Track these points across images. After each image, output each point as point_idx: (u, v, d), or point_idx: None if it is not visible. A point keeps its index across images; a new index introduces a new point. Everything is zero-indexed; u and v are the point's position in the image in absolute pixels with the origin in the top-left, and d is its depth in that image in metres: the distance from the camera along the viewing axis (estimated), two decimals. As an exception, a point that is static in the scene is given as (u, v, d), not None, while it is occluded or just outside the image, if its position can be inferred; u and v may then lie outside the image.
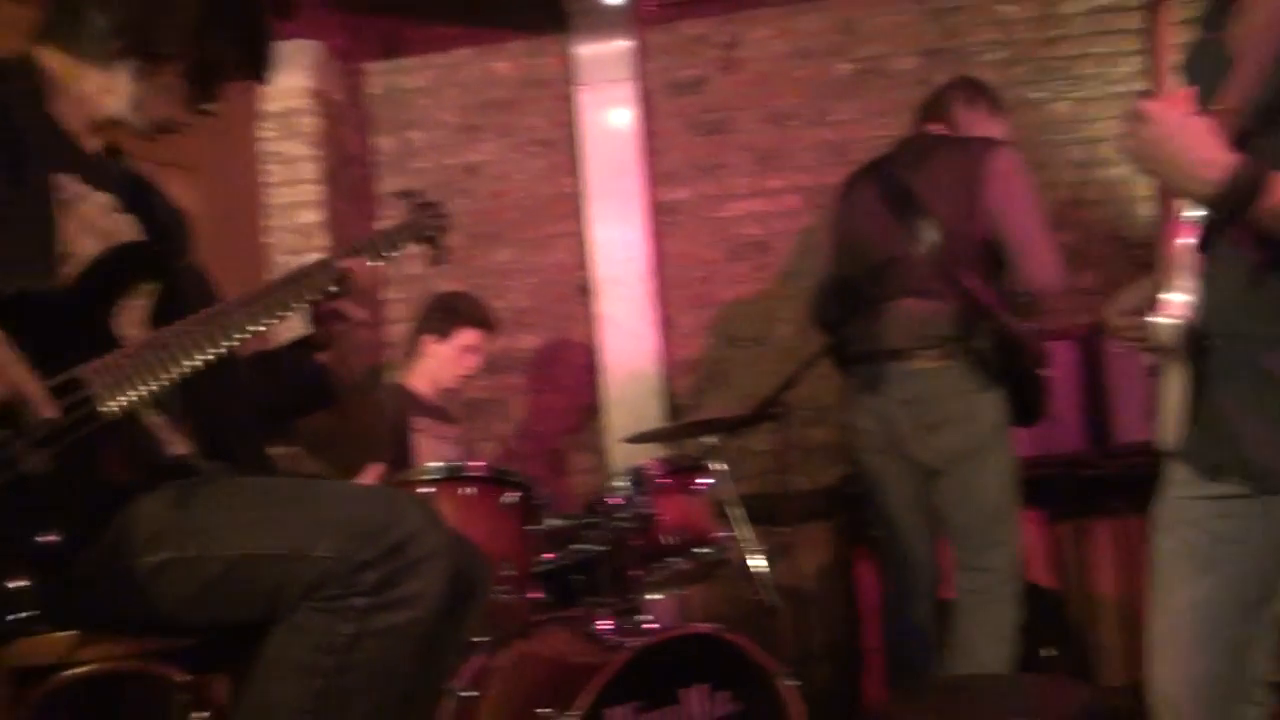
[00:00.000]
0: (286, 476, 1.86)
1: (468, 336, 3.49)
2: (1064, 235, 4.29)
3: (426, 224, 2.14)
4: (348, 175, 4.46)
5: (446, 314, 3.49)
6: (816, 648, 3.68)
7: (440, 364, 3.50)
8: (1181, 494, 1.80)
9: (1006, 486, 3.09)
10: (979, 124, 3.25)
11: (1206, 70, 1.78)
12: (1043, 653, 3.50)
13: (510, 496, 2.71)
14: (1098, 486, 3.74)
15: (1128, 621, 3.71)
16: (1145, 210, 4.37)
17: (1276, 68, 1.61)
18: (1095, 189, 4.37)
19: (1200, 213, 1.67)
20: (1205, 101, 1.79)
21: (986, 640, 3.01)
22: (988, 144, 3.13)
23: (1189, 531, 1.77)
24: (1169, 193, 1.71)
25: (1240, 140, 1.60)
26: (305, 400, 1.99)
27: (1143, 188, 4.37)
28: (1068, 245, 4.28)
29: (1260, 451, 1.65)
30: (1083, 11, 4.43)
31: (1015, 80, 4.30)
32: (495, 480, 2.76)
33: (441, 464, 2.75)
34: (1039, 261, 3.04)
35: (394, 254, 2.03)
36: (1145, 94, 1.64)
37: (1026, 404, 3.10)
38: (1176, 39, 1.67)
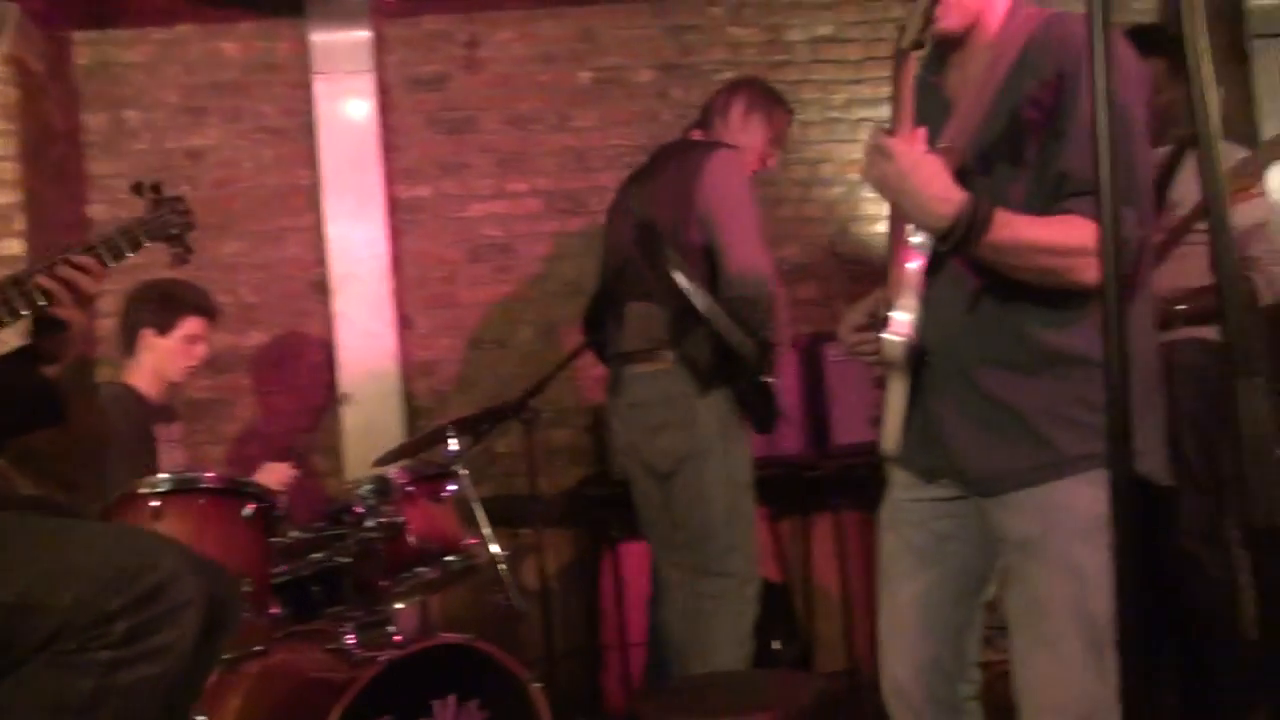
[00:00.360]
0: (30, 514, 1.68)
1: (191, 325, 3.27)
2: (786, 250, 4.61)
3: (169, 221, 2.01)
4: (51, 154, 4.06)
5: (165, 304, 3.25)
6: (561, 648, 3.74)
7: (163, 358, 3.27)
8: (904, 496, 1.98)
9: (734, 491, 3.07)
10: (733, 127, 3.24)
11: (926, 111, 1.98)
12: (773, 645, 3.73)
13: (249, 509, 2.57)
14: (818, 485, 4.03)
15: (845, 612, 4.02)
16: (861, 228, 4.74)
17: (991, 115, 1.82)
18: (816, 207, 4.69)
19: (923, 239, 1.85)
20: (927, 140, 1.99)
21: (726, 643, 3.04)
22: (710, 147, 3.17)
23: (911, 531, 1.96)
24: (899, 220, 1.88)
25: (960, 178, 1.80)
26: (29, 418, 1.81)
27: (859, 207, 4.75)
28: (790, 259, 4.61)
29: (970, 459, 1.84)
30: (805, 40, 4.74)
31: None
32: (231, 491, 2.62)
33: (171, 475, 2.57)
34: (743, 254, 3.01)
35: (133, 253, 1.89)
36: (885, 130, 1.79)
37: (754, 410, 3.10)
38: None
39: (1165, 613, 3.03)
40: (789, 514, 4.24)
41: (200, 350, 3.30)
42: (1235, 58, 5.09)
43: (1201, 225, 2.86)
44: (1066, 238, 1.67)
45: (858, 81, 4.77)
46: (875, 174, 1.73)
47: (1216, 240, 0.87)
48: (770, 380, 3.07)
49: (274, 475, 3.23)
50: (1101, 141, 1.01)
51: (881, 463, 2.02)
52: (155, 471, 2.91)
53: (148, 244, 1.90)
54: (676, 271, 3.04)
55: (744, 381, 3.06)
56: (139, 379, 3.25)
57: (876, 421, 1.96)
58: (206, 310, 3.30)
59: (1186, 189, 3.02)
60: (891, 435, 1.92)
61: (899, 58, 1.76)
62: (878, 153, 1.72)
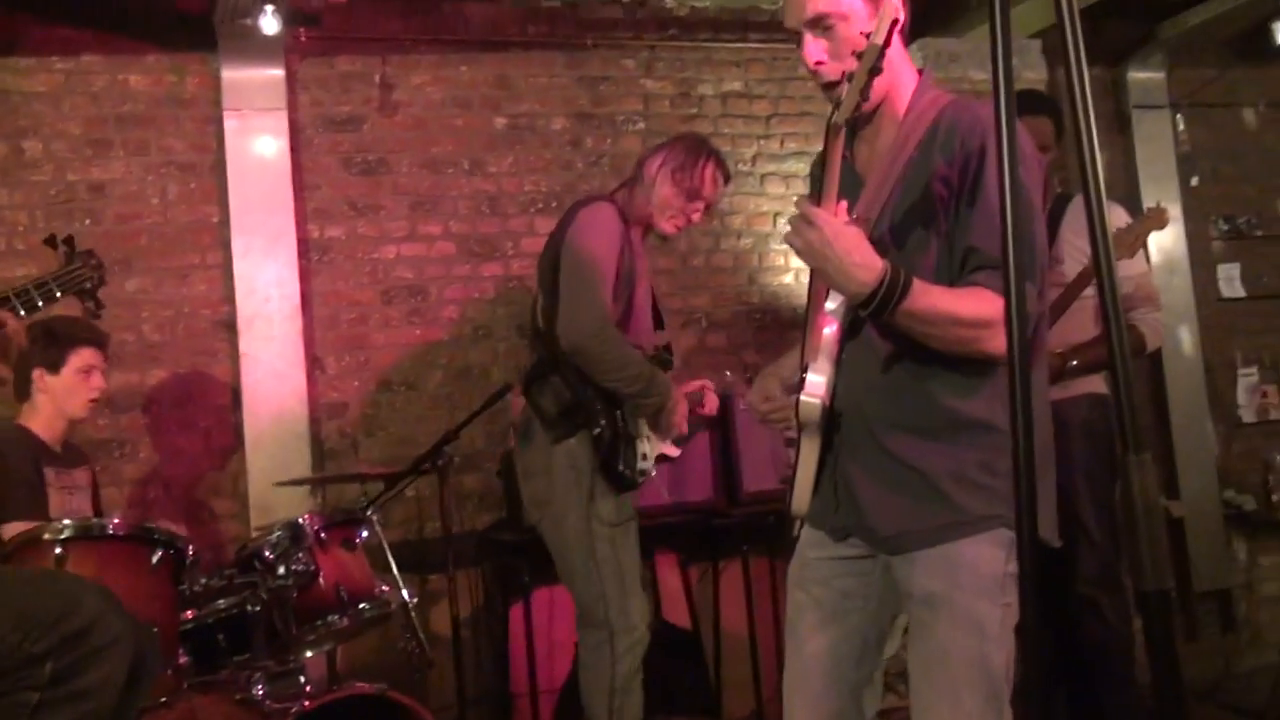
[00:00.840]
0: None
1: (82, 357, 3.20)
2: (697, 299, 4.72)
3: (82, 275, 1.99)
4: (-57, 184, 3.94)
5: (51, 341, 3.17)
6: (471, 695, 3.72)
7: (61, 395, 3.19)
8: (812, 554, 2.06)
9: (595, 540, 3.04)
10: (645, 181, 3.26)
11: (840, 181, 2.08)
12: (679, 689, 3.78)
13: (158, 556, 2.53)
14: (727, 532, 4.11)
15: (752, 656, 4.09)
16: (769, 278, 4.88)
17: (902, 190, 1.92)
18: (725, 257, 4.82)
19: (838, 306, 1.95)
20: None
21: (598, 693, 3.04)
22: (586, 201, 3.25)
23: (818, 589, 2.03)
24: (816, 286, 1.97)
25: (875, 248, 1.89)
26: None
27: (766, 258, 4.88)
28: (699, 309, 4.71)
29: (880, 517, 1.93)
30: (715, 95, 4.89)
31: (650, 153, 4.62)
32: (138, 538, 2.57)
33: (76, 521, 2.52)
34: (565, 311, 3.04)
35: (45, 306, 1.87)
36: (810, 199, 1.88)
37: (604, 464, 3.07)
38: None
39: (1060, 659, 3.17)
40: (698, 560, 4.31)
41: (97, 381, 3.23)
42: (1118, 126, 5.42)
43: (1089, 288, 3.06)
44: (977, 310, 1.78)
45: (765, 137, 4.92)
46: (800, 242, 1.81)
47: (1109, 327, 0.96)
48: (604, 433, 3.04)
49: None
50: (1007, 227, 1.10)
51: (788, 511, 2.09)
52: (45, 514, 2.85)
53: (60, 297, 1.88)
54: (537, 320, 3.16)
55: (595, 432, 3.06)
56: (35, 422, 3.17)
57: (787, 481, 2.04)
58: (96, 340, 3.24)
59: (1066, 244, 3.22)
60: (801, 496, 2.01)
61: (832, 132, 1.85)
62: (803, 221, 1.80)
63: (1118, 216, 3.33)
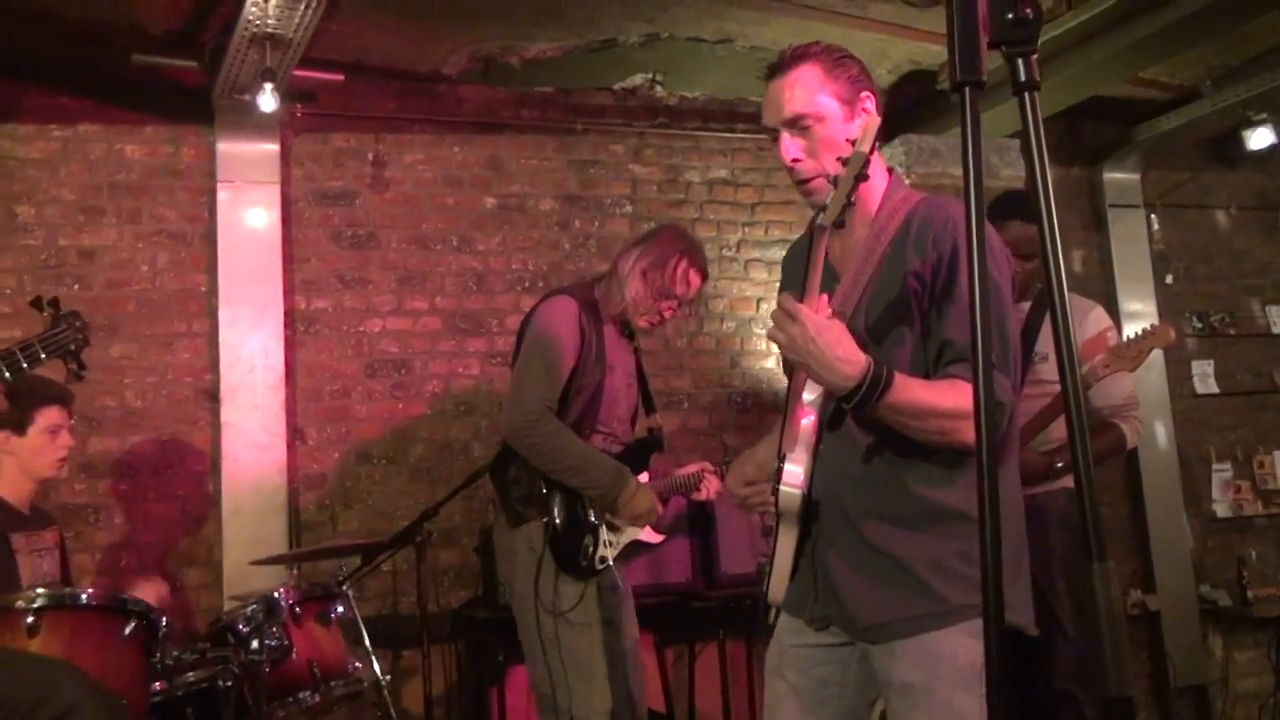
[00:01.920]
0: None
1: (48, 417, 3.17)
2: (679, 381, 4.76)
3: (67, 337, 2.00)
4: (-63, 245, 3.97)
5: (15, 402, 3.14)
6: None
7: (29, 457, 3.16)
8: (790, 642, 2.06)
9: (552, 625, 2.99)
10: (618, 275, 3.23)
11: (800, 273, 2.11)
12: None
13: (130, 626, 2.51)
14: (704, 615, 4.09)
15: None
16: (750, 363, 4.93)
17: (877, 286, 1.97)
18: (708, 340, 4.88)
19: (815, 397, 1.98)
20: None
21: None
22: (546, 295, 3.28)
23: (796, 676, 2.04)
24: (798, 377, 2.00)
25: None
26: None
27: (749, 342, 4.95)
28: (681, 390, 4.75)
29: (859, 606, 1.94)
30: (701, 181, 4.99)
31: (626, 248, 4.68)
32: (111, 608, 2.55)
33: (48, 590, 2.50)
34: (506, 406, 3.11)
35: (29, 368, 1.89)
36: (793, 296, 1.92)
37: (554, 550, 3.03)
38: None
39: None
40: (674, 642, 4.28)
41: (65, 439, 3.21)
42: (1094, 224, 5.56)
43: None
44: (955, 402, 1.82)
45: (750, 224, 5.02)
46: (783, 336, 1.84)
47: (1073, 438, 1.00)
48: (552, 522, 3.03)
49: (149, 592, 3.13)
50: (979, 322, 1.12)
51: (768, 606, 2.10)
52: (15, 583, 2.81)
53: (45, 359, 1.89)
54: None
55: (545, 520, 3.05)
56: (2, 486, 3.14)
57: (763, 570, 2.05)
58: (60, 398, 3.22)
59: (1050, 342, 3.28)
60: (779, 584, 2.02)
61: (817, 232, 1.89)
62: (786, 316, 1.83)
63: (1098, 317, 3.41)
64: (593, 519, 3.10)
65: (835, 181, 1.82)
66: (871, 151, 1.80)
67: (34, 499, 3.25)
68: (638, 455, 3.26)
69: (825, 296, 1.89)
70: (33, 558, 3.10)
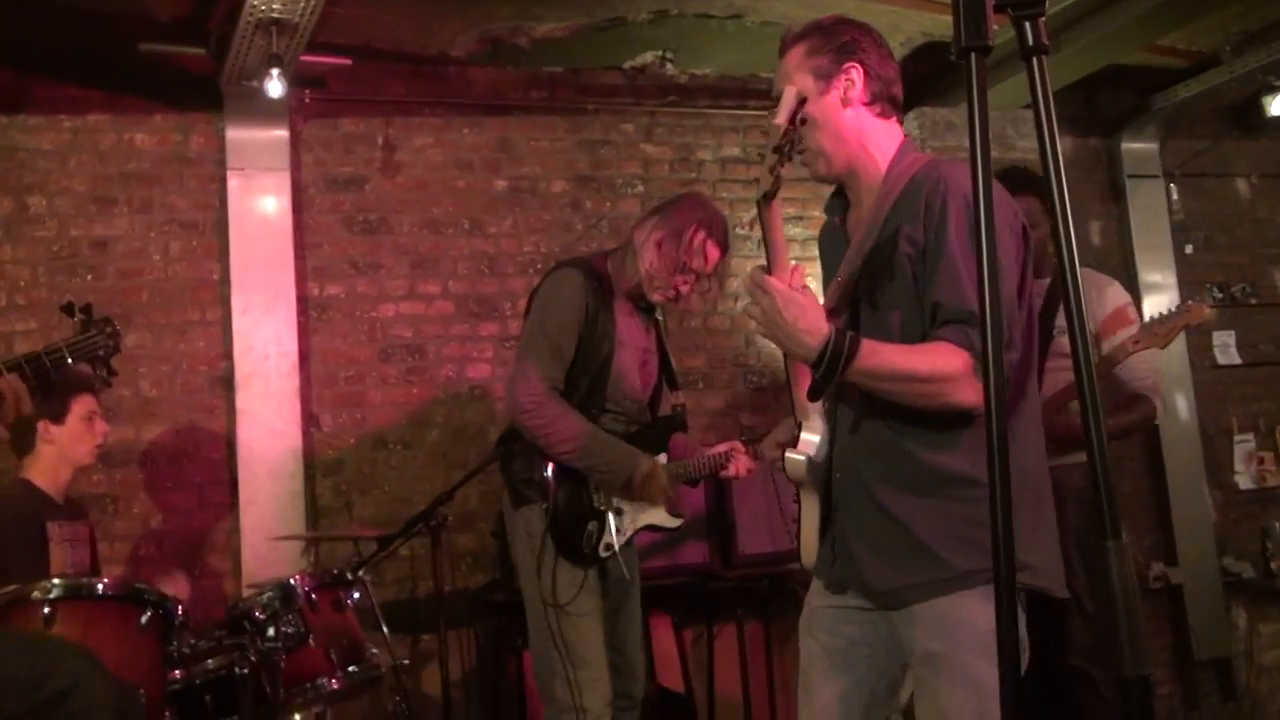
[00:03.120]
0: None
1: (83, 404, 3.25)
2: (693, 361, 4.73)
3: (97, 343, 2.01)
4: (-52, 237, 3.98)
5: (51, 391, 3.19)
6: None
7: (69, 445, 3.24)
8: (820, 604, 2.08)
9: (549, 613, 2.92)
10: (634, 247, 3.14)
11: (831, 248, 2.14)
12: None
13: (146, 616, 2.52)
14: (721, 596, 4.09)
15: (747, 719, 4.04)
16: (763, 341, 4.89)
17: (873, 251, 1.95)
18: (721, 320, 4.85)
19: None
20: (830, 274, 2.14)
21: None
22: (553, 269, 3.22)
23: (827, 637, 2.05)
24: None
25: (850, 308, 1.93)
26: None
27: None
28: (696, 370, 4.73)
29: (873, 573, 1.95)
30: (714, 159, 4.95)
31: (644, 218, 4.65)
32: (128, 598, 2.56)
33: (65, 580, 2.51)
34: (509, 387, 3.05)
35: (57, 375, 1.89)
36: (763, 269, 1.91)
37: (555, 535, 2.98)
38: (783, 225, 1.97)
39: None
40: (693, 623, 4.28)
41: (100, 426, 3.30)
42: (1112, 195, 5.49)
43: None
44: (933, 364, 1.81)
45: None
46: (755, 310, 1.86)
47: (1085, 413, 0.97)
48: (551, 507, 2.97)
49: (176, 585, 3.16)
50: (988, 293, 1.08)
51: (782, 575, 2.11)
52: (45, 571, 2.84)
53: (71, 363, 1.90)
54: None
55: (544, 506, 2.99)
56: (39, 475, 3.18)
57: (797, 535, 2.07)
58: (91, 387, 3.28)
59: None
60: (808, 549, 2.05)
61: (760, 206, 1.91)
62: (756, 288, 1.84)
63: (1116, 293, 3.37)
64: (598, 505, 3.03)
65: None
66: (792, 123, 1.79)
67: (68, 488, 3.29)
68: (656, 435, 3.20)
69: (799, 266, 1.91)
70: (64, 547, 3.13)
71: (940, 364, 1.80)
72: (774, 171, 1.84)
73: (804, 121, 1.81)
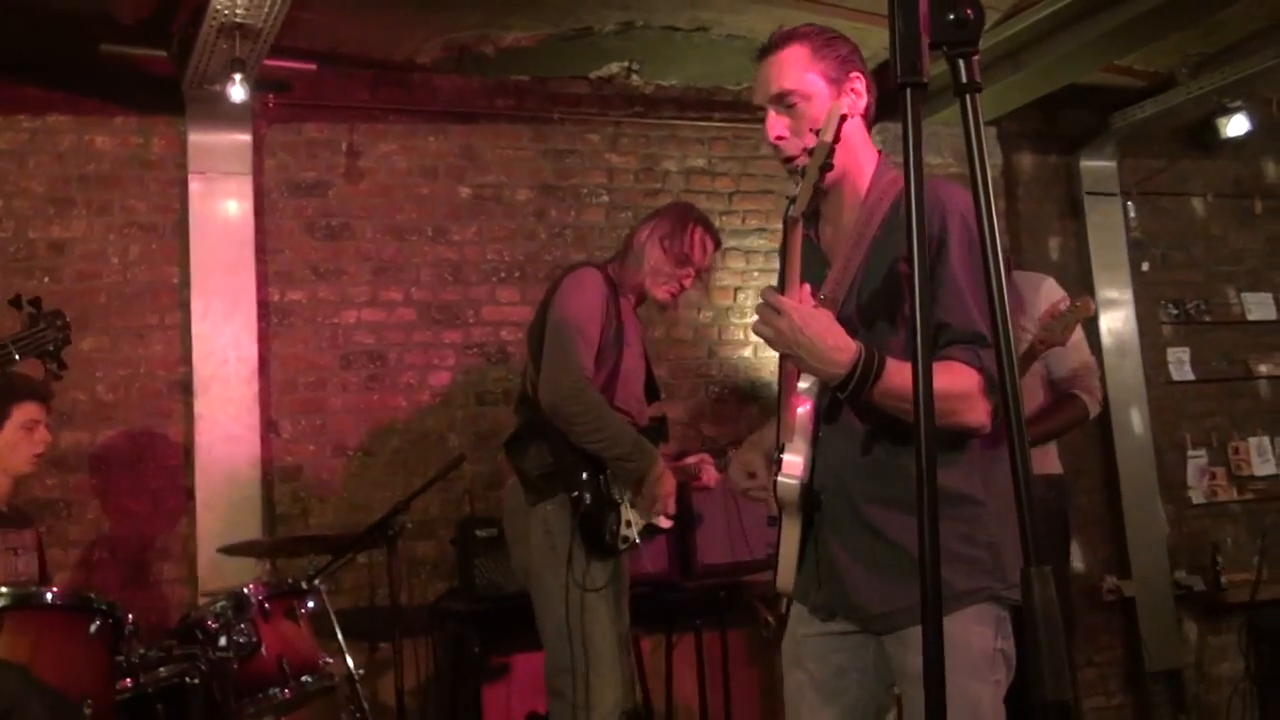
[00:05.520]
0: None
1: (25, 411, 3.17)
2: (656, 371, 4.72)
3: (45, 337, 1.99)
4: (-98, 238, 3.92)
5: None
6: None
7: (4, 453, 3.15)
8: (803, 632, 2.05)
9: (569, 611, 2.94)
10: (634, 249, 3.25)
11: (805, 263, 2.11)
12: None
13: (95, 625, 2.49)
14: (680, 605, 4.10)
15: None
16: (727, 352, 4.93)
17: (867, 270, 1.94)
18: (684, 330, 4.86)
19: (810, 385, 1.96)
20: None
21: None
22: (571, 269, 3.27)
23: (813, 666, 2.02)
24: (790, 367, 1.97)
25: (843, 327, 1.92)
26: None
27: (726, 331, 4.94)
28: (659, 379, 4.73)
29: (864, 596, 1.92)
30: (679, 170, 4.97)
31: (619, 225, 4.70)
32: (76, 607, 2.53)
33: (12, 589, 2.48)
34: (546, 374, 3.05)
35: (4, 369, 1.87)
36: (774, 288, 1.90)
37: (583, 528, 3.01)
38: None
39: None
40: (651, 633, 4.28)
41: (41, 435, 3.20)
42: (1071, 212, 5.57)
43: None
44: (950, 384, 1.81)
45: (728, 212, 5.01)
46: (769, 331, 1.82)
47: (1011, 442, 0.99)
48: (582, 496, 3.00)
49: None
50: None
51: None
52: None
53: (19, 359, 1.88)
54: (526, 387, 3.15)
55: (574, 495, 3.02)
56: None
57: (771, 560, 2.03)
58: (38, 395, 3.21)
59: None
60: (786, 574, 2.00)
61: (789, 223, 1.89)
62: (770, 309, 1.81)
63: (1050, 289, 3.51)
64: (615, 497, 3.08)
65: (803, 172, 1.81)
66: (836, 141, 1.78)
67: (10, 496, 3.23)
68: (651, 439, 3.24)
69: (808, 286, 1.88)
70: (8, 555, 3.09)
71: (955, 383, 1.80)
72: (818, 189, 1.82)
73: (838, 139, 1.80)
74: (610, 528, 3.06)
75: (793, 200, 1.86)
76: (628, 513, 3.10)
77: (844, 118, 1.81)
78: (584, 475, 3.04)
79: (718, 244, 3.37)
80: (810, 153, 1.80)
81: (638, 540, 3.12)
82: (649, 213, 3.49)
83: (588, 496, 3.03)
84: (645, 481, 3.07)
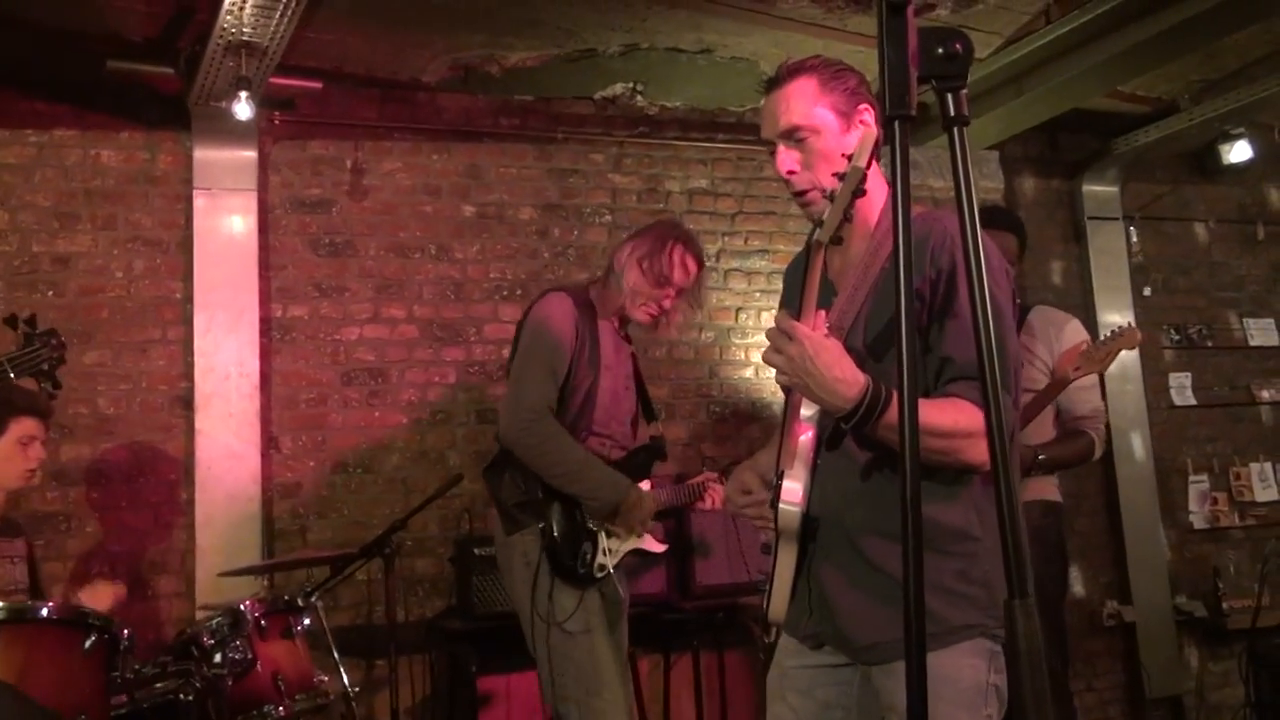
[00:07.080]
0: None
1: (22, 427, 3.15)
2: (658, 391, 4.75)
3: (41, 356, 1.99)
4: (-93, 250, 3.94)
5: None
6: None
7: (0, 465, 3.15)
8: (791, 663, 2.02)
9: (552, 637, 2.92)
10: (615, 269, 3.22)
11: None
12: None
13: (90, 641, 2.49)
14: (678, 626, 4.09)
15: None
16: (728, 373, 4.93)
17: (875, 303, 1.93)
18: (686, 350, 4.87)
19: (813, 414, 1.93)
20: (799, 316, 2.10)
21: None
22: (540, 295, 3.24)
23: (800, 700, 2.00)
24: (792, 396, 1.96)
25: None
26: None
27: (727, 352, 4.95)
28: (660, 400, 4.74)
29: (855, 626, 1.90)
30: (681, 191, 4.99)
31: (621, 244, 4.69)
32: (71, 622, 2.53)
33: (8, 604, 2.48)
34: (503, 408, 3.06)
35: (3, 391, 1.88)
36: (789, 315, 1.86)
37: (551, 558, 2.99)
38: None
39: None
40: (649, 653, 4.28)
41: (36, 452, 3.18)
42: (1073, 236, 5.58)
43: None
44: (954, 421, 1.78)
45: (730, 233, 5.02)
46: (779, 358, 1.79)
47: (995, 471, 0.99)
48: (549, 528, 2.99)
49: (99, 597, 3.09)
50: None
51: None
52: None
53: (14, 378, 1.88)
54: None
55: (541, 526, 3.01)
56: None
57: (763, 588, 2.00)
58: (38, 411, 3.20)
59: (1026, 351, 3.39)
60: (778, 603, 1.97)
61: (812, 249, 1.88)
62: (783, 336, 1.78)
63: (1075, 329, 3.47)
64: (590, 525, 3.05)
65: (832, 196, 1.79)
66: (869, 166, 1.78)
67: (3, 508, 3.23)
68: (640, 462, 3.23)
69: (822, 313, 1.86)
70: (3, 564, 3.08)
71: (962, 421, 1.77)
72: (848, 215, 1.79)
73: (870, 165, 1.79)
74: (584, 557, 3.03)
75: (819, 224, 1.85)
76: (605, 540, 3.08)
77: (877, 144, 1.80)
78: (556, 504, 3.02)
79: (700, 263, 3.24)
80: (841, 178, 1.78)
81: (612, 570, 3.06)
82: (629, 232, 3.46)
83: (555, 527, 3.00)
84: (619, 511, 3.05)
